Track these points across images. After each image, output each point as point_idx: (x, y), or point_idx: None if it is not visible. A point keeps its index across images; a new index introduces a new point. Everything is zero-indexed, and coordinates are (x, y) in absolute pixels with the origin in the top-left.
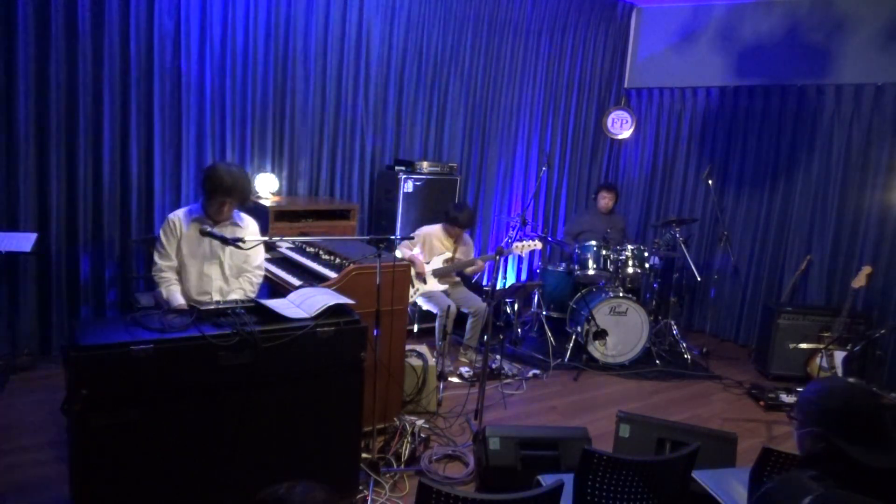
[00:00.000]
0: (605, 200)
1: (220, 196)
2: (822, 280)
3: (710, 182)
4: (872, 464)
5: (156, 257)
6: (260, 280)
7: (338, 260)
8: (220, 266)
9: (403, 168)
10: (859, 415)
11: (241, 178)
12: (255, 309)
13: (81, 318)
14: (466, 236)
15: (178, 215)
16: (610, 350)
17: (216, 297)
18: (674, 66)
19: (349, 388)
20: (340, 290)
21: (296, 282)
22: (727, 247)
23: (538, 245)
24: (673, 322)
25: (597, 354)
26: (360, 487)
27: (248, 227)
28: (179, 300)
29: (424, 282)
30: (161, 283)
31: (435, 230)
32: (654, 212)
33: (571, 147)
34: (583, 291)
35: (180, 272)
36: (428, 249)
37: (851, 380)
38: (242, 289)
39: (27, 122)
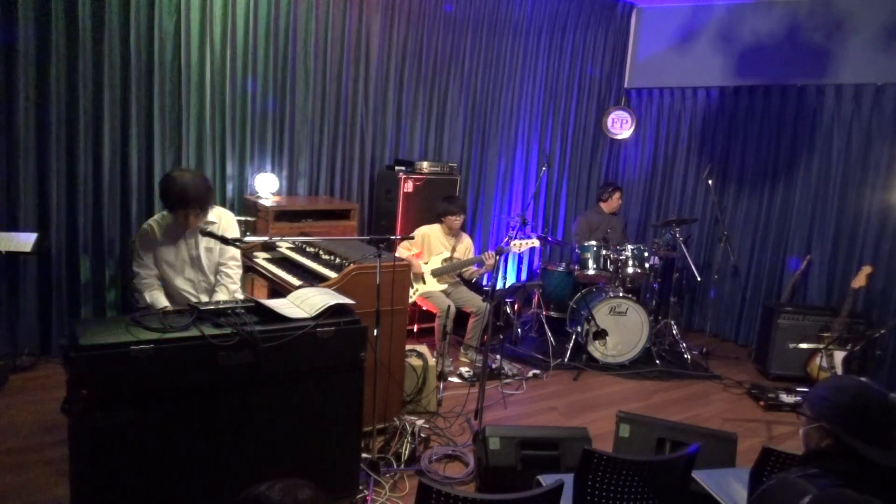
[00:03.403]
0: (621, 202)
1: (180, 209)
2: (822, 280)
3: (710, 182)
4: (879, 461)
5: (135, 266)
6: (238, 271)
7: (338, 260)
8: (201, 267)
9: (403, 168)
10: (869, 413)
11: (196, 188)
12: (255, 309)
13: (81, 318)
14: (465, 235)
15: (150, 223)
16: (610, 350)
17: (204, 298)
18: (674, 66)
19: (349, 388)
20: (340, 290)
21: (296, 282)
22: (727, 247)
23: (535, 243)
24: (673, 322)
25: (597, 354)
26: (360, 487)
27: (222, 220)
28: (164, 302)
29: (423, 282)
30: (144, 289)
31: (434, 230)
32: (654, 212)
33: (571, 147)
34: (583, 291)
35: (165, 282)
36: (427, 249)
37: (864, 379)
38: (224, 285)
39: (27, 122)
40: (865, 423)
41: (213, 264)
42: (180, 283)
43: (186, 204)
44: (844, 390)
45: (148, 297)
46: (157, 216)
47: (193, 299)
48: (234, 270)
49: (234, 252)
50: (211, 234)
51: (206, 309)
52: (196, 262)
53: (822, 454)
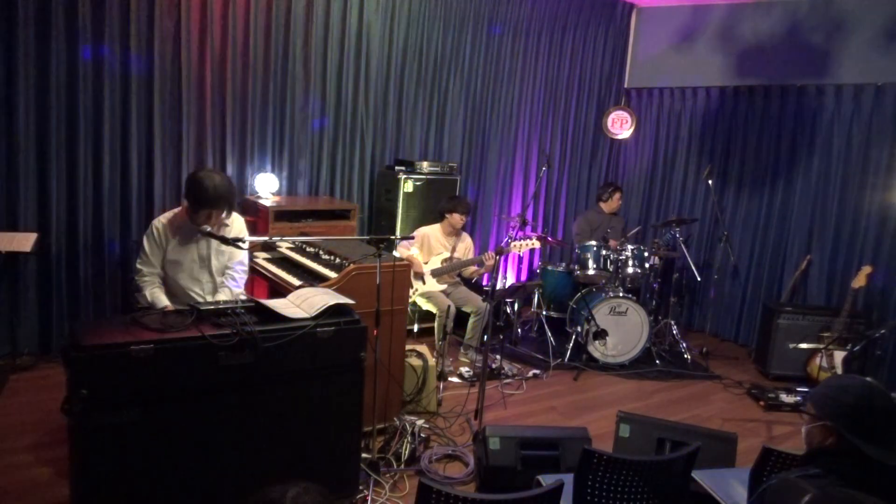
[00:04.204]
0: (621, 202)
1: (206, 208)
2: (822, 280)
3: (710, 182)
4: (882, 460)
5: (138, 263)
6: (244, 276)
7: (338, 260)
8: (209, 269)
9: (403, 168)
10: (873, 412)
11: (225, 188)
12: (255, 309)
13: (81, 318)
14: (466, 235)
15: (162, 222)
16: (610, 350)
17: (209, 300)
18: (674, 65)
19: (349, 388)
20: (340, 290)
21: (296, 282)
22: (727, 247)
23: (536, 244)
24: (673, 322)
25: (597, 354)
26: (360, 487)
27: (234, 224)
28: (164, 302)
29: (423, 282)
30: (145, 286)
31: (434, 230)
32: (654, 212)
33: (571, 147)
34: (583, 291)
35: (170, 280)
36: (427, 249)
37: (868, 379)
38: (228, 287)
39: (27, 122)
40: (869, 422)
41: (221, 266)
42: (188, 283)
43: (215, 203)
44: (849, 389)
45: (148, 294)
46: (167, 214)
47: (199, 299)
48: (240, 274)
49: (243, 256)
50: (210, 235)
51: (206, 309)
52: (206, 263)
53: (825, 453)
